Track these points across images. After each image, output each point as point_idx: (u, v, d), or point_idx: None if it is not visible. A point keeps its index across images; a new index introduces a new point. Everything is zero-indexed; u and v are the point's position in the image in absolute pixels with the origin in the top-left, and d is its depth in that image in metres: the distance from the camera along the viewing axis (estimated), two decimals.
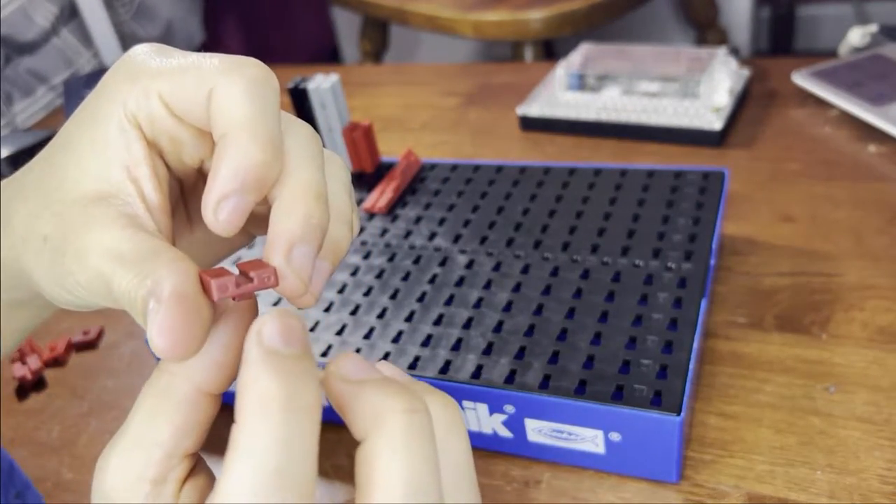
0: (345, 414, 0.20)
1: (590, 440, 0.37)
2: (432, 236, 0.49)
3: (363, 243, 0.49)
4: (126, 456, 0.20)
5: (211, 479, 0.21)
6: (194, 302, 0.19)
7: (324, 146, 0.25)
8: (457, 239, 0.48)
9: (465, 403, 0.39)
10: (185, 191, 0.26)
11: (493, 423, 0.39)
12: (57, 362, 0.53)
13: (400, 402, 0.19)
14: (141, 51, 0.23)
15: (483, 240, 0.48)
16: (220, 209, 0.20)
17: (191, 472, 0.21)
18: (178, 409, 0.20)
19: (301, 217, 0.21)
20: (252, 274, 0.20)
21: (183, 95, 0.22)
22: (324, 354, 0.41)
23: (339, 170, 0.24)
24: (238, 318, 0.21)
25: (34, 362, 0.52)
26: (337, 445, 0.43)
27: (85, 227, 0.21)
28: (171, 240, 0.23)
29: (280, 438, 0.18)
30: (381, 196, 0.53)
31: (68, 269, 0.22)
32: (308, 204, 0.21)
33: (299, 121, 0.23)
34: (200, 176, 0.25)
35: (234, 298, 0.20)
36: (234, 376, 0.21)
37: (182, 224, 0.26)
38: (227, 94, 0.21)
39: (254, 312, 0.21)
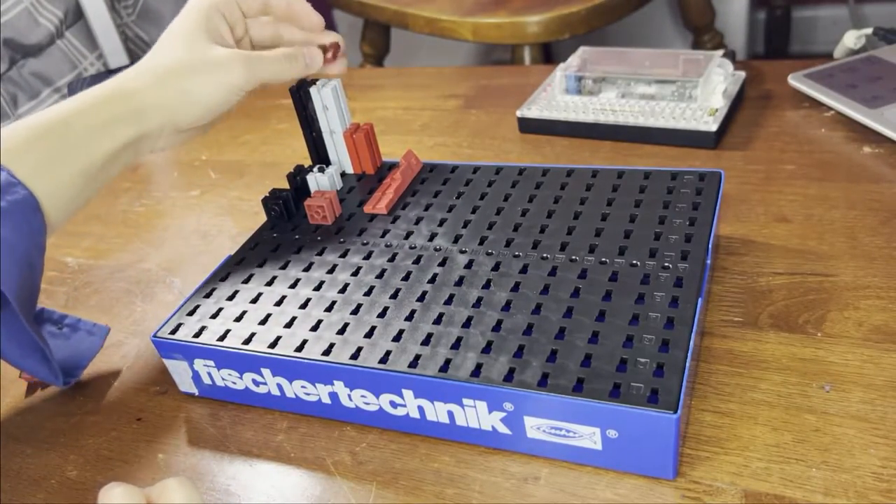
0: None
1: (587, 437, 0.38)
2: (432, 237, 0.49)
3: (364, 244, 0.50)
4: None
5: None
6: None
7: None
8: (457, 239, 0.49)
9: (465, 401, 0.39)
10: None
11: (492, 421, 0.40)
12: None
13: None
14: None
15: (482, 240, 0.48)
16: (316, 17, 0.52)
17: None
18: None
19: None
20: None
21: (248, 4, 0.51)
22: (326, 353, 0.42)
23: None
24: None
25: None
26: (338, 442, 0.44)
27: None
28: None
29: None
30: (382, 197, 0.53)
31: (261, 66, 0.49)
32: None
33: None
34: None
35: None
36: None
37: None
38: None
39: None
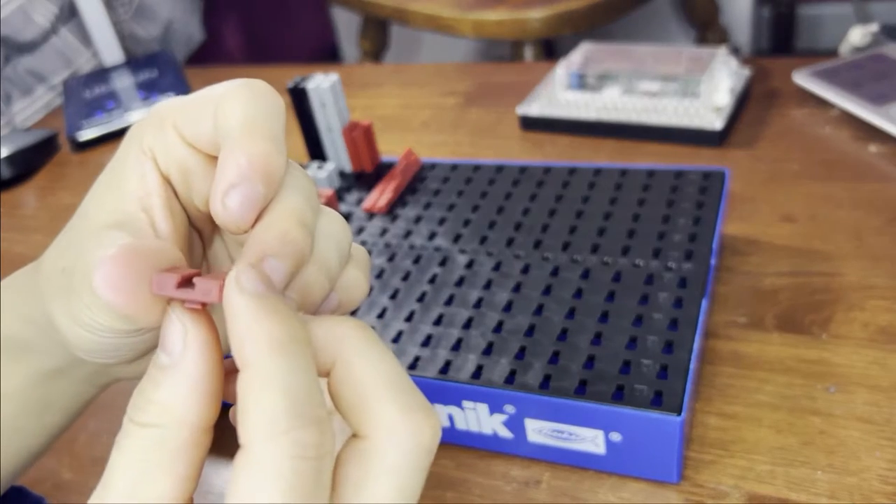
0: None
1: (590, 440, 0.37)
2: (432, 236, 0.49)
3: (363, 243, 0.49)
4: None
5: None
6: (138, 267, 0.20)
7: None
8: (457, 239, 0.48)
9: (465, 403, 0.39)
10: (203, 239, 0.26)
11: (493, 424, 0.39)
12: None
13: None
14: (163, 100, 0.24)
15: (483, 240, 0.48)
16: (228, 198, 0.20)
17: None
18: (177, 457, 0.19)
19: (279, 233, 0.20)
20: (195, 281, 0.19)
21: (192, 118, 0.22)
22: None
23: (336, 228, 0.24)
24: (210, 348, 0.20)
25: None
26: None
27: (95, 249, 0.21)
28: None
29: (297, 368, 0.18)
30: (380, 196, 0.53)
31: (78, 291, 0.22)
32: (289, 225, 0.21)
33: (303, 171, 0.24)
34: (211, 221, 0.25)
35: (182, 301, 0.19)
36: (220, 401, 0.20)
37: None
38: (231, 103, 0.21)
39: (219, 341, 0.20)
